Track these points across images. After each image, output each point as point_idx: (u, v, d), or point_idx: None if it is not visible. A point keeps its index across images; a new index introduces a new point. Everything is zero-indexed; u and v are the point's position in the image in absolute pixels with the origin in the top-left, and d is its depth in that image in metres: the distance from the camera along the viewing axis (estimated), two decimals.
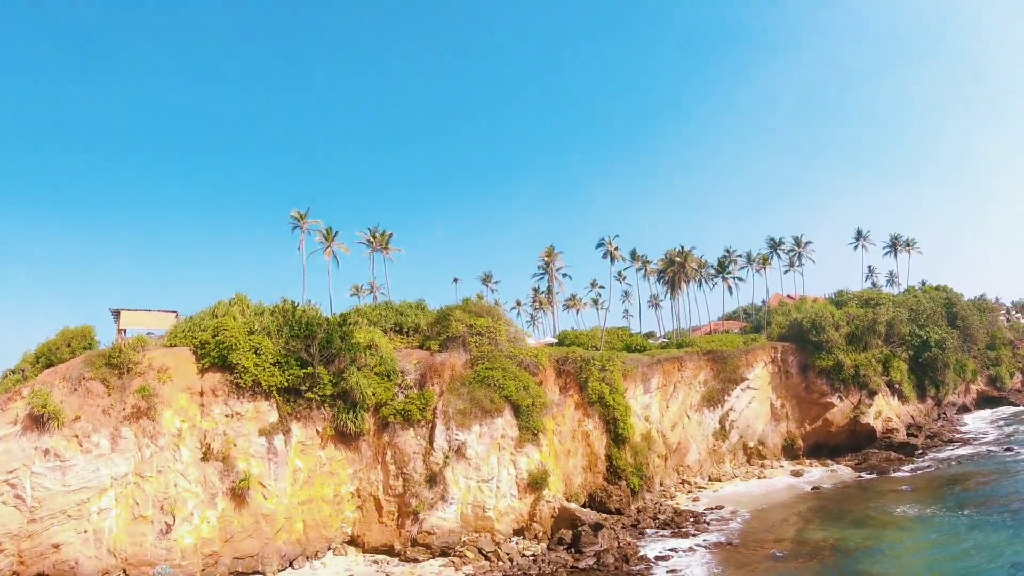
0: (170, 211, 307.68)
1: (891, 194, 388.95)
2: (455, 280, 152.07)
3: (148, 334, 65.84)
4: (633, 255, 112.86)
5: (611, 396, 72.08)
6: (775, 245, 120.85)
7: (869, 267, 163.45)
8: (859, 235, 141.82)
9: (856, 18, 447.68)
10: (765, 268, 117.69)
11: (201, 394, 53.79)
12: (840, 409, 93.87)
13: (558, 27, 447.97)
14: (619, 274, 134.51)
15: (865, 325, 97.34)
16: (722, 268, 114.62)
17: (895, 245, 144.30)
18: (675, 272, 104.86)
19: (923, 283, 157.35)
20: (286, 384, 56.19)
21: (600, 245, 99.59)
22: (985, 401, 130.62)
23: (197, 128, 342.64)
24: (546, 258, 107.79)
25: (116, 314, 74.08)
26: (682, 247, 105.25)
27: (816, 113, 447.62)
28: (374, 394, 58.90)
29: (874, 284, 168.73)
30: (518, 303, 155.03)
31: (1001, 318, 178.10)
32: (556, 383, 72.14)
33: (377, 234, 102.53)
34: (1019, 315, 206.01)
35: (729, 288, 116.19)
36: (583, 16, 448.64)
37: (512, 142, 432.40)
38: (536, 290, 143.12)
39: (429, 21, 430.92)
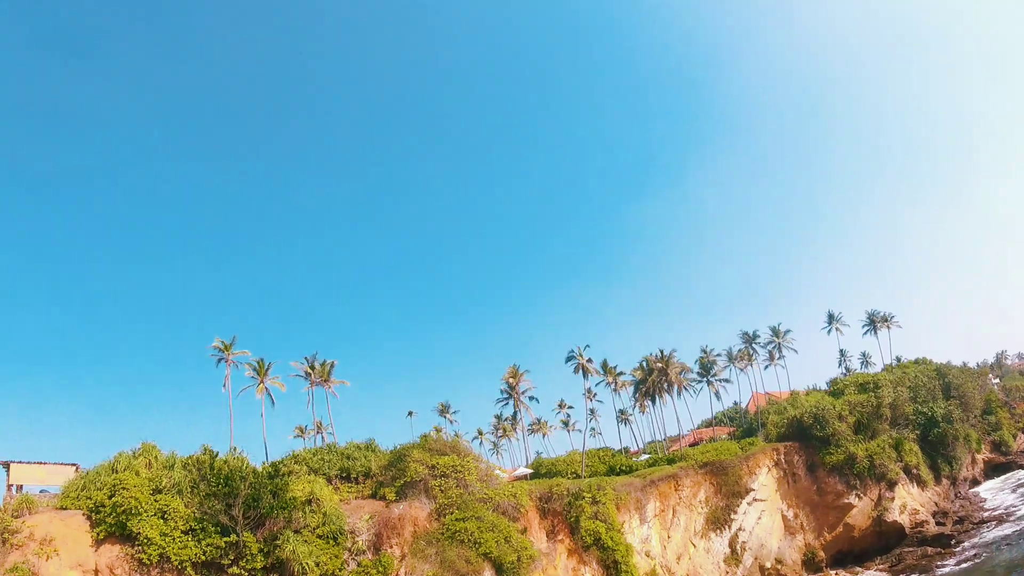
0: (79, 345, 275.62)
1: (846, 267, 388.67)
2: (410, 413, 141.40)
3: (42, 492, 54.23)
4: (605, 367, 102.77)
5: (608, 535, 60.60)
6: (750, 339, 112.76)
7: (841, 351, 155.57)
8: (831, 318, 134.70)
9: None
10: (751, 364, 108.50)
11: (96, 572, 42.35)
12: (860, 509, 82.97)
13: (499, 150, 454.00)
14: (588, 390, 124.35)
15: (870, 411, 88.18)
16: (706, 371, 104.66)
17: (874, 323, 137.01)
18: (656, 381, 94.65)
19: (898, 359, 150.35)
20: (203, 558, 44.37)
21: (570, 359, 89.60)
22: (992, 469, 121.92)
23: (105, 242, 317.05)
24: (511, 380, 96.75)
25: (6, 467, 61.18)
26: (661, 352, 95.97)
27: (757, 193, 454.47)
28: (318, 564, 46.60)
29: (847, 369, 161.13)
30: (480, 432, 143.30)
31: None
32: (542, 527, 60.36)
33: (316, 365, 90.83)
34: (991, 376, 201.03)
35: (717, 393, 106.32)
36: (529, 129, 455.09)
37: (457, 265, 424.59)
38: (499, 417, 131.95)
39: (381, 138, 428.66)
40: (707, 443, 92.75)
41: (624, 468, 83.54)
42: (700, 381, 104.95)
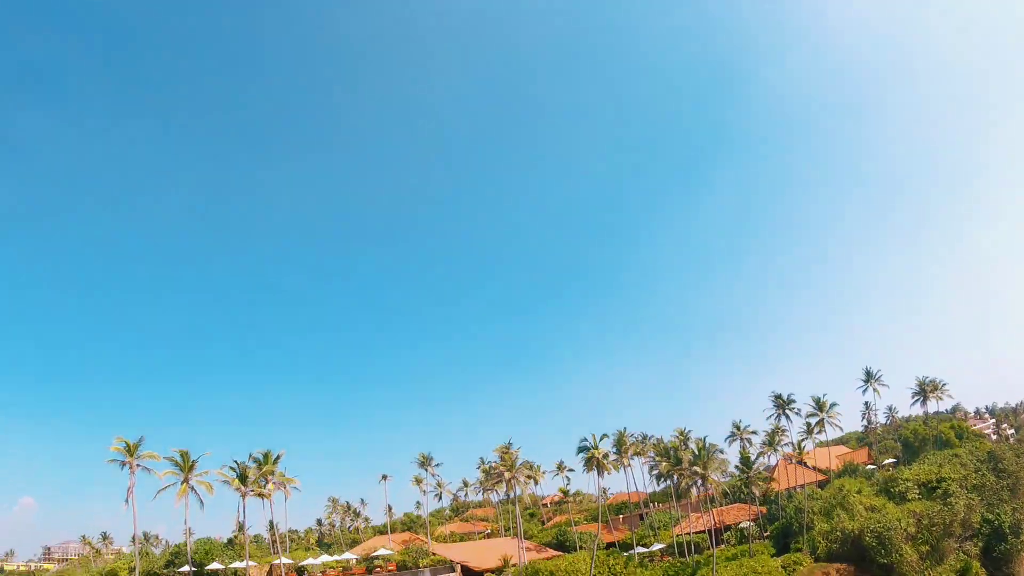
0: None
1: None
2: (384, 477, 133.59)
3: None
4: (620, 444, 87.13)
5: None
6: (783, 404, 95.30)
7: (866, 403, 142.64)
8: (868, 376, 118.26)
9: None
10: (800, 453, 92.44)
11: None
12: None
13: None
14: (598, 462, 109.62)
15: (942, 530, 73.21)
16: (747, 467, 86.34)
17: (924, 391, 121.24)
18: (688, 485, 78.25)
19: (927, 414, 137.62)
20: None
21: (582, 449, 74.81)
22: None
23: None
24: (504, 455, 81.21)
25: None
26: (702, 444, 78.37)
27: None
28: None
29: (869, 422, 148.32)
30: (465, 483, 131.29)
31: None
32: None
33: (257, 460, 74.04)
34: (1007, 427, 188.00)
35: (761, 498, 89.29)
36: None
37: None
38: (486, 468, 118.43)
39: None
40: (736, 554, 78.26)
41: None
42: (742, 476, 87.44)
